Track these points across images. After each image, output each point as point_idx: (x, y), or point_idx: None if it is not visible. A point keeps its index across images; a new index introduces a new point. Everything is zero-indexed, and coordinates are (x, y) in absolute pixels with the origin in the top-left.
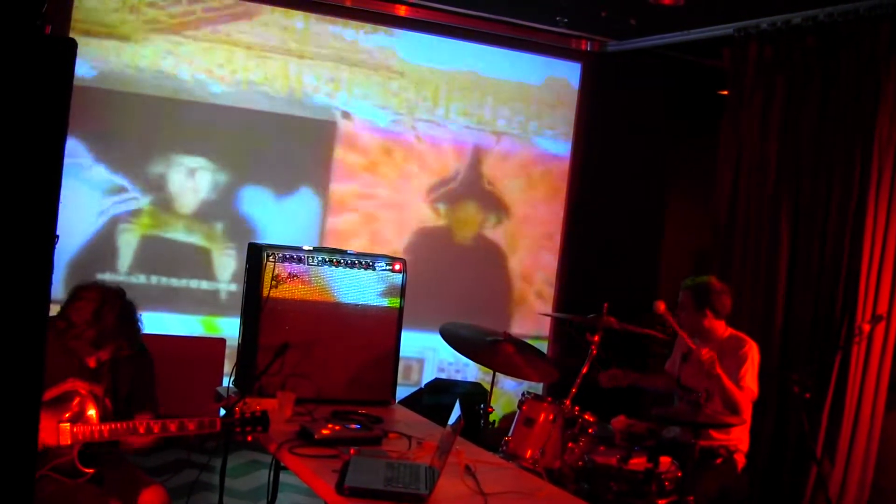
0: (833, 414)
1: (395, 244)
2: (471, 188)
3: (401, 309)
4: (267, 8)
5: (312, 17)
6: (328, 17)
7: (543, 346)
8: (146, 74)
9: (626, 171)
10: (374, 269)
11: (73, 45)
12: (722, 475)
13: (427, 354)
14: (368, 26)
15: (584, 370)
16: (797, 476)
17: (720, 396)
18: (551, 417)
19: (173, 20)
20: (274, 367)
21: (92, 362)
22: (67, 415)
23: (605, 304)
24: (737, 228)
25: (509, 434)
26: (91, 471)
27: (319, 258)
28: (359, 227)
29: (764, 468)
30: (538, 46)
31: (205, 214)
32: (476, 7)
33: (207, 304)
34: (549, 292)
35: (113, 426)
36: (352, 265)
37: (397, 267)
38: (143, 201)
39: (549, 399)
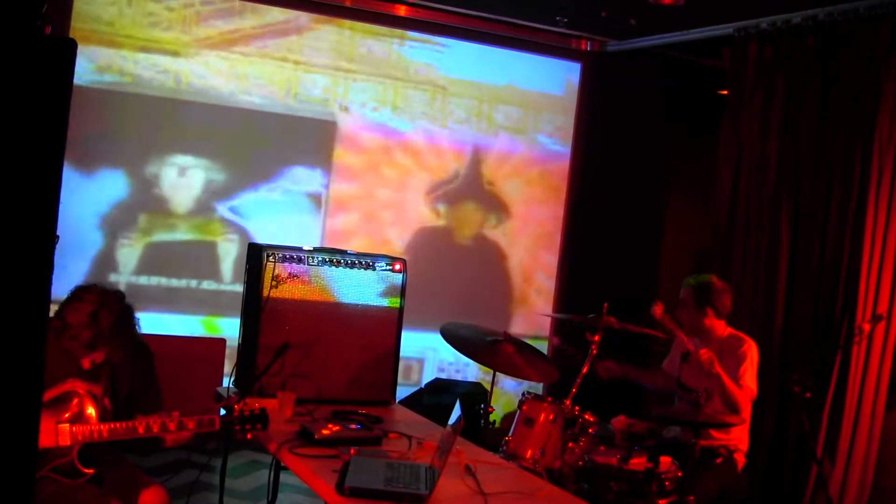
0: (833, 414)
1: (396, 244)
2: (471, 188)
3: (401, 309)
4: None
5: (311, 16)
6: (327, 17)
7: (543, 347)
8: (148, 75)
9: (626, 170)
10: (375, 269)
11: (73, 45)
12: (722, 475)
13: (427, 354)
14: (368, 26)
15: (584, 370)
16: (797, 476)
17: (720, 395)
18: (551, 417)
19: (180, 19)
20: (274, 368)
21: (86, 363)
22: (67, 415)
23: (605, 304)
24: (737, 228)
25: (509, 434)
26: (91, 471)
27: (319, 258)
28: (359, 227)
29: (764, 468)
30: (538, 46)
31: (205, 214)
32: (476, 7)
33: (208, 304)
34: (549, 292)
35: (112, 426)
36: (352, 265)
37: (397, 267)
38: (143, 202)
39: (550, 399)
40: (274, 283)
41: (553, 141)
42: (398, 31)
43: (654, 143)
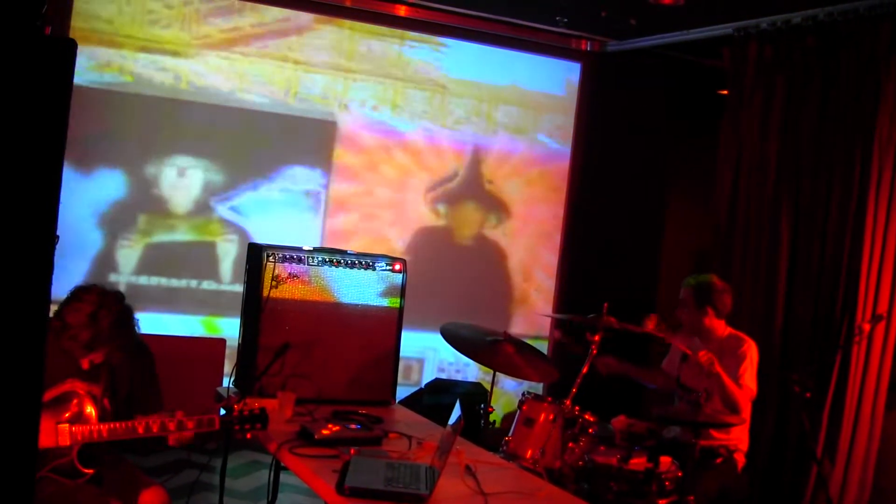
0: (833, 414)
1: (396, 244)
2: (471, 188)
3: (401, 309)
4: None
5: (312, 16)
6: (327, 17)
7: (543, 347)
8: (147, 75)
9: (626, 170)
10: (375, 270)
11: (73, 46)
12: (722, 475)
13: (427, 354)
14: (369, 25)
15: (584, 370)
16: (797, 476)
17: (719, 395)
18: (551, 417)
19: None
20: (274, 368)
21: (84, 364)
22: (66, 415)
23: (606, 304)
24: (737, 228)
25: (509, 434)
26: (90, 471)
27: (319, 258)
28: (359, 227)
29: (764, 468)
30: (538, 46)
31: (205, 214)
32: (476, 7)
33: (208, 304)
34: (550, 292)
35: (112, 426)
36: (352, 265)
37: (397, 267)
38: (143, 201)
39: (550, 399)
40: (274, 283)
41: (553, 141)
42: (398, 31)
43: (654, 143)
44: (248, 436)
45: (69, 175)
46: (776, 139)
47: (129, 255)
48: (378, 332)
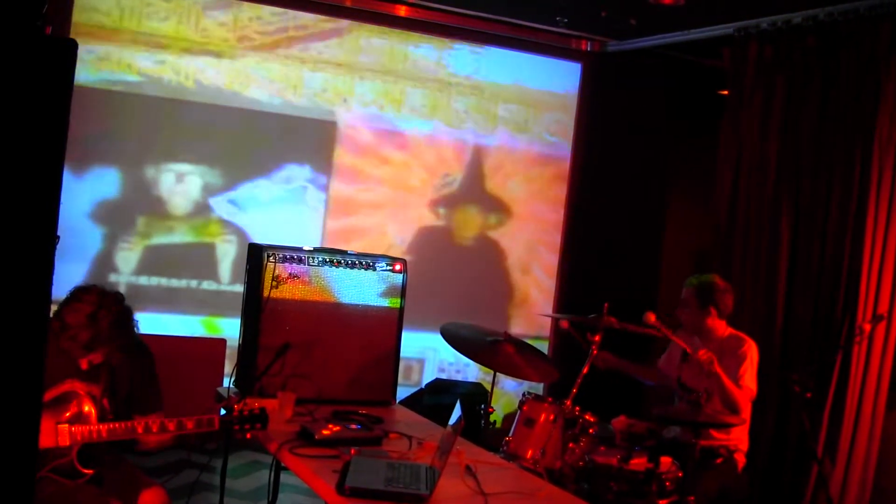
0: (834, 414)
1: (396, 244)
2: (471, 188)
3: (401, 309)
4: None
5: (311, 17)
6: (328, 17)
7: (544, 347)
8: (148, 75)
9: (626, 171)
10: (375, 270)
11: (73, 46)
12: (722, 475)
13: (427, 354)
14: (370, 26)
15: (585, 370)
16: (798, 476)
17: (719, 395)
18: (552, 418)
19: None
20: (274, 368)
21: (84, 364)
22: (66, 415)
23: (606, 304)
24: (737, 228)
25: (510, 434)
26: (90, 472)
27: (320, 258)
28: (359, 227)
29: (764, 468)
30: (538, 46)
31: (204, 214)
32: (476, 7)
33: (208, 304)
34: (550, 292)
35: (111, 426)
36: (352, 265)
37: (398, 267)
38: (143, 202)
39: (550, 399)
40: (274, 283)
41: (553, 141)
42: (399, 31)
43: (654, 144)
44: (248, 436)
45: (69, 175)
46: (776, 139)
47: (129, 255)
48: (378, 333)
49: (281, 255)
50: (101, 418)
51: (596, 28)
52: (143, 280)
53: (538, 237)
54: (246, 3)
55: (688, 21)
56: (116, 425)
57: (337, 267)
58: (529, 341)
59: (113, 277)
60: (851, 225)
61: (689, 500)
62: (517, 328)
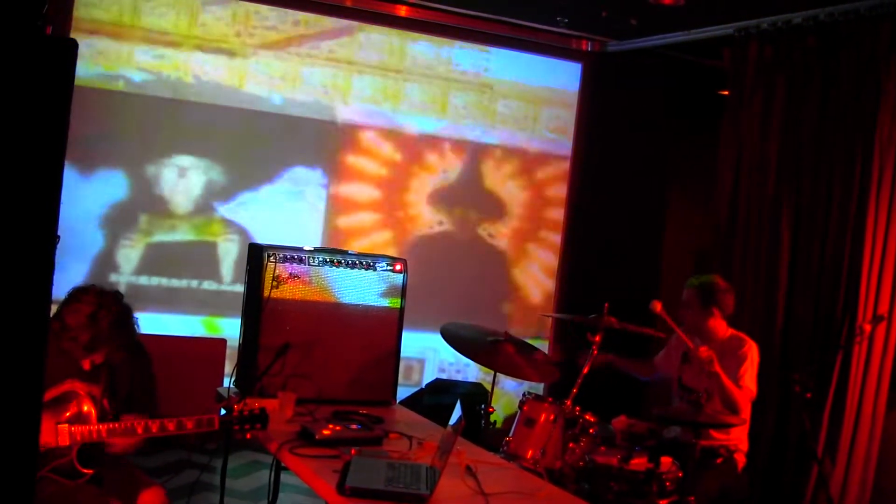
0: (834, 414)
1: (396, 244)
2: (471, 187)
3: (401, 309)
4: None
5: (312, 18)
6: (329, 18)
7: (544, 347)
8: (148, 74)
9: (626, 170)
10: (375, 270)
11: (73, 46)
12: (722, 475)
13: (428, 355)
14: (371, 26)
15: (585, 371)
16: (798, 476)
17: (719, 395)
18: (552, 418)
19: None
20: (275, 368)
21: (86, 365)
22: (66, 415)
23: (606, 304)
24: (737, 228)
25: (510, 434)
26: (90, 471)
27: (320, 258)
28: (359, 226)
29: (764, 468)
30: (538, 46)
31: (205, 214)
32: (476, 7)
33: (208, 304)
34: (550, 292)
35: (111, 426)
36: (352, 265)
37: (398, 267)
38: (144, 202)
39: (550, 399)
40: (275, 283)
41: (554, 140)
42: (399, 31)
43: (654, 143)
44: (249, 436)
45: (69, 175)
46: (776, 139)
47: (129, 255)
48: (379, 333)
49: (281, 255)
50: (101, 418)
51: (596, 28)
52: (144, 280)
53: (538, 237)
54: (246, 4)
55: (688, 21)
56: (116, 425)
57: (337, 267)
58: (529, 341)
59: (113, 277)
60: (852, 225)
61: (690, 500)
62: (517, 328)
